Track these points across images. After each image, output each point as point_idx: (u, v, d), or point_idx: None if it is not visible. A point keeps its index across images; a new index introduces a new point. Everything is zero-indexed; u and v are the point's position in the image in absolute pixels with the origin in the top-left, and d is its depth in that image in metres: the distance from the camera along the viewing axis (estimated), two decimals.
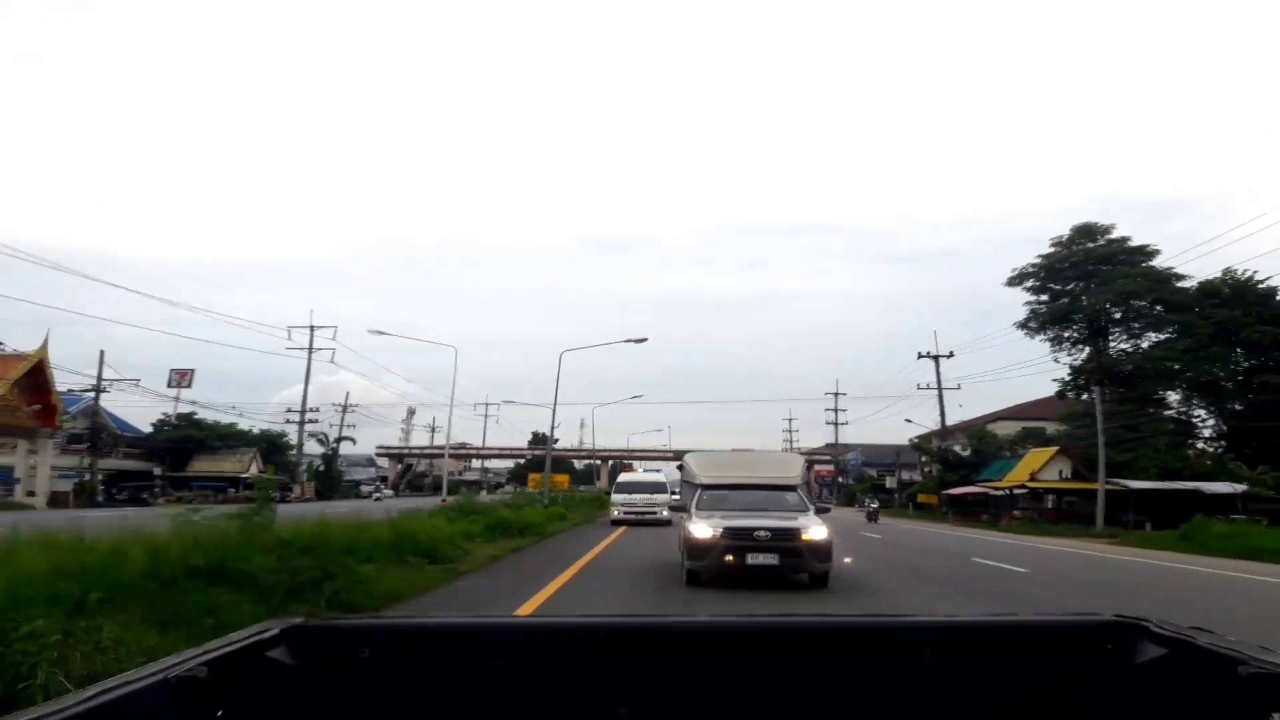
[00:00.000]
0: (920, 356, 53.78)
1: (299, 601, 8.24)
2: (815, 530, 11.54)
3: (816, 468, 77.45)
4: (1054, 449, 40.74)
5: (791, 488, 13.56)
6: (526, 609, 9.51)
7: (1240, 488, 32.89)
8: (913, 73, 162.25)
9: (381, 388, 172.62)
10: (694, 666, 1.72)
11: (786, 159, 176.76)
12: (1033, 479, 39.49)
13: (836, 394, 75.25)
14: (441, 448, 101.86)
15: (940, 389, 52.86)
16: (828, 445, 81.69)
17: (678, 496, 19.96)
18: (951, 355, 53.54)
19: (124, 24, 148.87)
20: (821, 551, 11.47)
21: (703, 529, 11.56)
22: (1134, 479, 35.25)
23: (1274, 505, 30.40)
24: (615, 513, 30.66)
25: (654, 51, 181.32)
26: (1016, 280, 47.86)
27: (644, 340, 34.77)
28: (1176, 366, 41.81)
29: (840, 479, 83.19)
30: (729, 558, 11.24)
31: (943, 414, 53.57)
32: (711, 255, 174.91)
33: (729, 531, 11.37)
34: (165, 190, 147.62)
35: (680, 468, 16.47)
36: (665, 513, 24.88)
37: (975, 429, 54.84)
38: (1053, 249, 46.38)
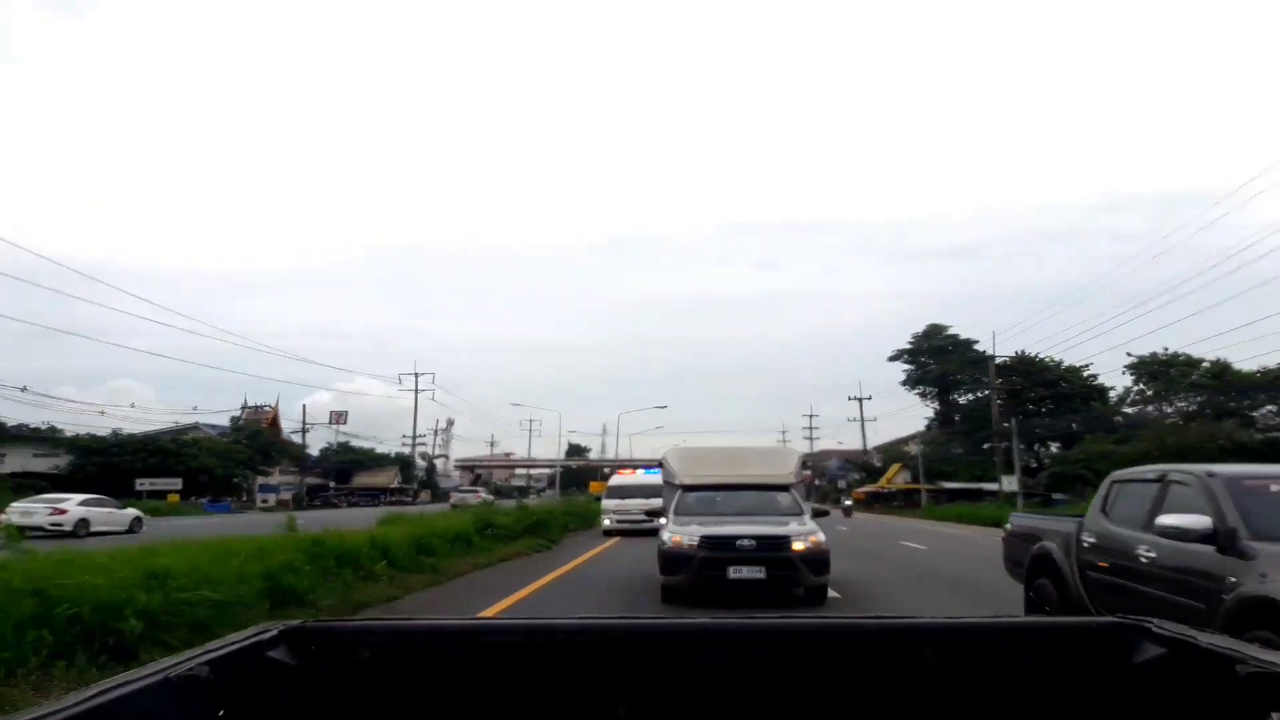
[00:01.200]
0: (849, 399, 79.00)
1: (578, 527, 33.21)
2: (810, 538, 10.13)
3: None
4: (899, 464, 65.78)
5: (784, 487, 12.02)
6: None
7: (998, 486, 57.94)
8: (927, 68, 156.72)
9: (405, 390, 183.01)
10: (694, 667, 1.75)
11: (800, 156, 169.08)
12: (889, 483, 64.74)
13: (811, 415, 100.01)
14: (495, 457, 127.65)
15: (863, 421, 78.22)
16: (805, 454, 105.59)
17: None
18: (870, 398, 78.76)
19: (125, 26, 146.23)
20: (817, 563, 10.04)
21: (675, 538, 10.33)
22: (951, 482, 60.34)
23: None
24: (607, 521, 26.58)
25: (662, 50, 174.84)
26: (895, 357, 74.06)
27: (664, 407, 59.19)
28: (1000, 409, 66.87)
29: (816, 482, 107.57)
30: (707, 571, 9.91)
31: (864, 438, 79.05)
32: (725, 254, 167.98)
33: (706, 541, 10.04)
34: (166, 194, 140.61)
35: (661, 466, 14.73)
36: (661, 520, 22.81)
37: (887, 448, 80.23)
38: (913, 341, 72.84)
